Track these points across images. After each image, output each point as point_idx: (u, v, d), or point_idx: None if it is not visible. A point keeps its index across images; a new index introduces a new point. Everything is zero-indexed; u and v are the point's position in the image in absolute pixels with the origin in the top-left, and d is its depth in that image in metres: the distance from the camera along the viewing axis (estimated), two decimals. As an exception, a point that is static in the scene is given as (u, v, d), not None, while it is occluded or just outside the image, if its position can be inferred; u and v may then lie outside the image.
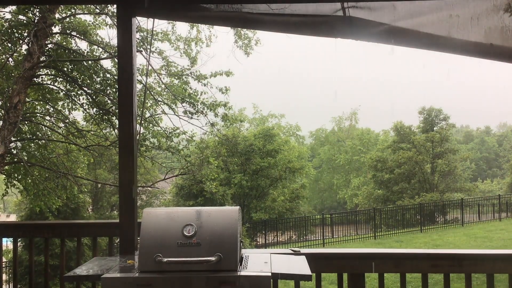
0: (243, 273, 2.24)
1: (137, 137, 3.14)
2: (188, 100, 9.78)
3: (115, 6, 5.13)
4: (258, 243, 24.48)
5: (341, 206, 48.39)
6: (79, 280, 3.05)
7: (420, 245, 19.60)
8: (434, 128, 33.99)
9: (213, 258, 2.19)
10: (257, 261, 2.51)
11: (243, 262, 2.45)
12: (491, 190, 39.97)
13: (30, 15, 8.76)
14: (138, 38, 8.71)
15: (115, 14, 8.51)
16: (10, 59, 9.07)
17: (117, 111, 7.80)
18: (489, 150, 58.99)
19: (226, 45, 10.60)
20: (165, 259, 2.20)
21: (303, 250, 2.91)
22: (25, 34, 8.77)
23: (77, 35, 9.24)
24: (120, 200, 3.00)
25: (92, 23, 9.34)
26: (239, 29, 10.06)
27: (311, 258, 2.70)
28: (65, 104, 9.95)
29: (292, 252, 2.89)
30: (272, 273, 2.27)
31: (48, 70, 9.42)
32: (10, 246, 3.81)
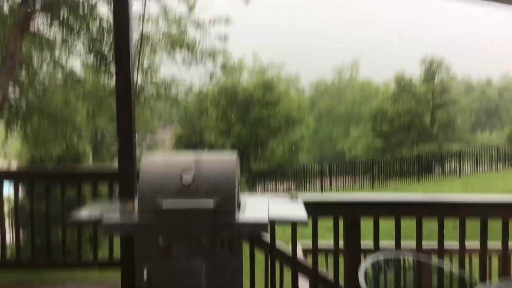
0: (241, 217, 2.28)
1: (135, 86, 3.11)
2: (186, 48, 9.65)
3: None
4: (257, 193, 24.77)
5: (340, 157, 48.64)
6: (80, 224, 3.11)
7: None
8: (435, 79, 33.74)
9: (211, 202, 2.22)
10: (255, 207, 2.54)
11: (241, 207, 2.48)
12: (490, 141, 40.09)
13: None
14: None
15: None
16: (5, 6, 8.88)
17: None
18: (490, 102, 58.71)
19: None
20: (164, 202, 2.22)
21: (300, 197, 2.94)
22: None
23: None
24: (120, 147, 3.01)
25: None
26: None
27: (308, 204, 2.73)
28: (62, 52, 9.82)
29: (290, 198, 2.93)
30: (269, 217, 2.31)
31: (43, 17, 9.23)
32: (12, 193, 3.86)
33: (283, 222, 2.52)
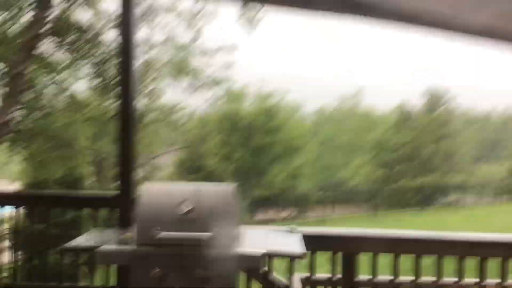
0: (237, 250, 2.27)
1: (137, 110, 3.14)
2: (190, 74, 9.74)
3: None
4: (258, 219, 24.66)
5: (341, 185, 48.48)
6: (78, 251, 3.10)
7: (419, 225, 19.73)
8: (438, 110, 33.85)
9: (208, 234, 2.22)
10: (253, 239, 2.54)
11: (238, 239, 2.47)
12: (493, 173, 39.94)
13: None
14: (142, 11, 8.63)
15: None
16: (14, 28, 9.01)
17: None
18: (494, 133, 58.71)
19: (232, 19, 10.48)
20: (161, 234, 2.22)
21: (299, 229, 2.94)
22: (29, 3, 8.69)
23: (81, 5, 9.15)
24: (119, 173, 3.02)
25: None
26: (245, 2, 9.93)
27: (306, 236, 2.73)
28: (68, 75, 9.91)
29: (288, 230, 2.92)
30: (266, 251, 2.30)
31: (51, 39, 9.35)
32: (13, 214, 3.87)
33: (280, 256, 2.51)
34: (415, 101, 34.59)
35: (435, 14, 2.98)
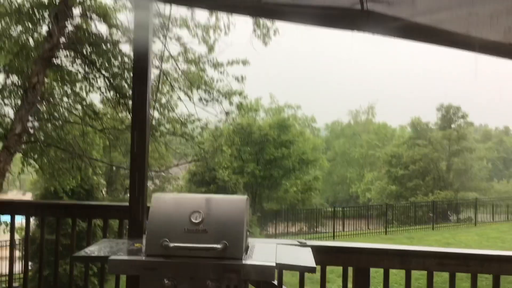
0: (248, 261, 2.26)
1: (151, 122, 3.16)
2: (203, 87, 9.81)
3: (134, -10, 5.14)
4: (269, 233, 24.56)
5: (353, 200, 48.22)
6: (87, 261, 3.11)
7: (431, 242, 19.51)
8: (452, 126, 33.64)
9: (219, 246, 2.21)
10: (263, 251, 2.52)
11: (248, 251, 2.46)
12: (507, 190, 39.48)
13: (52, -4, 8.82)
14: (156, 24, 8.73)
15: (135, -2, 8.53)
16: (30, 40, 9.16)
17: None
18: (507, 150, 58.13)
19: (245, 34, 10.57)
20: (172, 244, 2.22)
21: (309, 242, 2.92)
22: (46, 15, 8.84)
23: (97, 18, 9.28)
24: (131, 184, 3.04)
25: (113, 6, 9.38)
26: (258, 18, 10.02)
27: (317, 250, 2.71)
28: (83, 87, 10.03)
29: (299, 243, 2.91)
30: (276, 263, 2.29)
31: (67, 52, 9.50)
32: (24, 223, 3.89)
33: (291, 269, 2.49)
34: (429, 116, 34.48)
35: (450, 31, 2.99)
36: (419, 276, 3.22)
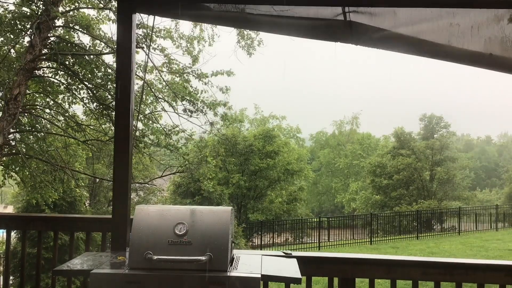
0: (233, 273, 2.24)
1: (134, 133, 3.13)
2: (188, 98, 9.78)
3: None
4: (254, 244, 24.47)
5: (338, 210, 48.38)
6: (70, 275, 3.05)
7: (416, 252, 19.59)
8: (435, 136, 34.02)
9: (203, 258, 2.19)
10: (248, 262, 2.50)
11: (233, 263, 2.44)
12: (489, 199, 39.96)
13: (34, 7, 8.74)
14: (140, 35, 8.71)
15: (118, 9, 8.49)
16: (12, 51, 9.06)
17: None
18: (489, 160, 58.97)
19: (229, 44, 10.60)
20: (155, 257, 2.19)
21: (294, 253, 2.91)
22: (28, 26, 8.76)
23: (80, 29, 9.23)
24: (114, 196, 3.00)
25: (95, 17, 9.34)
26: (242, 29, 10.06)
27: (302, 261, 2.70)
28: (65, 98, 9.94)
29: (284, 254, 2.89)
30: (262, 275, 2.27)
31: (49, 63, 9.41)
32: (5, 237, 3.81)
33: (277, 281, 2.47)
34: (412, 126, 34.82)
35: (432, 42, 3.02)
36: (404, 285, 3.22)
